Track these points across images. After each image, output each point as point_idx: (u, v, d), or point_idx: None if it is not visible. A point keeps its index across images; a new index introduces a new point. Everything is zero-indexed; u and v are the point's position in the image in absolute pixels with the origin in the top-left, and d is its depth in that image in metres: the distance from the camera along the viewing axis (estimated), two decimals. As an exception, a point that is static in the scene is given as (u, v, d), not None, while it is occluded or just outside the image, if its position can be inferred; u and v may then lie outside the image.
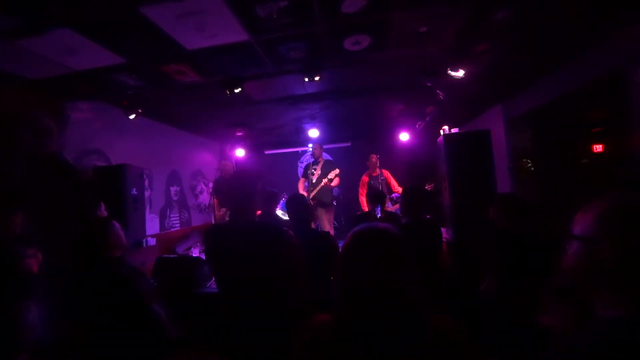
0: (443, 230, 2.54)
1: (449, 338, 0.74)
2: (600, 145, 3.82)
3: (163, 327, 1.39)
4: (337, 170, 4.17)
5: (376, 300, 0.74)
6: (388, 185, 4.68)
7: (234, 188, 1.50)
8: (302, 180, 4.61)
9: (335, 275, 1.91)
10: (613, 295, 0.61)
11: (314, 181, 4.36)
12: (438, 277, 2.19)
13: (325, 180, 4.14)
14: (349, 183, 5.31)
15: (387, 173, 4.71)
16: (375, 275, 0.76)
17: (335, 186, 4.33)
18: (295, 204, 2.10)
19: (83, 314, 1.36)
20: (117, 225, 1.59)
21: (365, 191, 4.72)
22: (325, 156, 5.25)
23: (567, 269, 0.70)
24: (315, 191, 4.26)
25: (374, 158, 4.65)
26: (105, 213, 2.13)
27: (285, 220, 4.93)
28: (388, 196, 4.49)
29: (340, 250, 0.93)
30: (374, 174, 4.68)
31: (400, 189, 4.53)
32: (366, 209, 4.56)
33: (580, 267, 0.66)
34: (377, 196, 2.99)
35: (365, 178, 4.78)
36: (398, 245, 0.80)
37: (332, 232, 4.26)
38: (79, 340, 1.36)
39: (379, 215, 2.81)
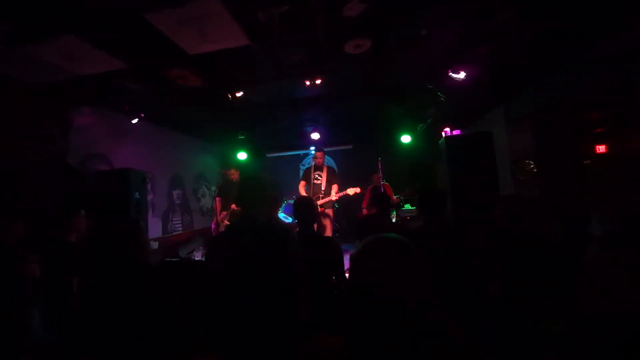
0: None
1: (465, 355, 0.69)
2: (603, 146, 3.80)
3: (186, 326, 1.44)
4: (358, 189, 4.39)
5: (391, 318, 0.69)
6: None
7: (244, 190, 1.52)
8: (303, 183, 4.62)
9: (340, 281, 1.90)
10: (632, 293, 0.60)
11: (323, 188, 4.43)
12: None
13: (348, 193, 4.34)
14: (350, 185, 5.32)
15: (386, 185, 5.19)
16: (390, 291, 0.70)
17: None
18: (304, 207, 2.08)
19: (107, 314, 1.40)
20: (143, 226, 1.69)
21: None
22: (327, 161, 5.36)
23: (589, 271, 0.68)
24: (325, 200, 4.32)
25: (377, 177, 5.16)
26: (84, 220, 2.12)
27: (289, 223, 4.94)
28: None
29: (344, 256, 0.89)
30: (377, 185, 5.16)
31: (396, 199, 5.07)
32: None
33: (603, 268, 0.64)
34: (380, 199, 2.99)
35: (369, 188, 5.26)
36: (416, 258, 0.74)
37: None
38: (95, 340, 1.39)
39: (394, 220, 2.78)
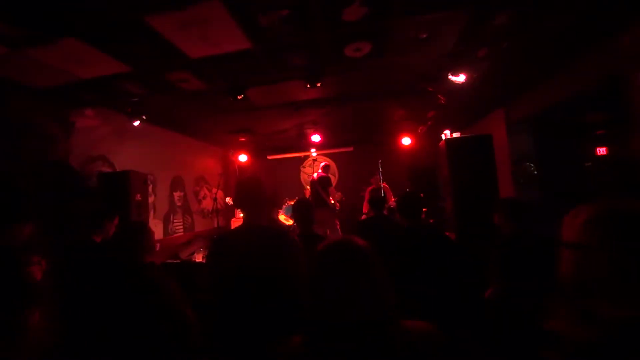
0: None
1: (428, 347, 0.72)
2: (604, 148, 3.81)
3: (195, 333, 1.42)
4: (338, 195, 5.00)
5: (347, 315, 0.73)
6: (385, 195, 5.16)
7: (242, 193, 1.53)
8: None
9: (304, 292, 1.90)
10: (609, 299, 0.61)
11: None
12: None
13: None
14: (351, 187, 5.35)
15: (386, 187, 5.20)
16: (343, 290, 0.75)
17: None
18: (303, 208, 2.10)
19: (108, 319, 1.39)
20: (151, 229, 1.66)
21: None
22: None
23: (561, 276, 0.70)
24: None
25: (374, 179, 5.24)
26: (113, 225, 2.15)
27: (289, 225, 4.95)
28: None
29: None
30: (376, 187, 5.17)
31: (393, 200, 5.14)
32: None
33: (574, 273, 0.65)
34: (375, 202, 3.08)
35: (368, 189, 5.28)
36: (366, 257, 0.79)
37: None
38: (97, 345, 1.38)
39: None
